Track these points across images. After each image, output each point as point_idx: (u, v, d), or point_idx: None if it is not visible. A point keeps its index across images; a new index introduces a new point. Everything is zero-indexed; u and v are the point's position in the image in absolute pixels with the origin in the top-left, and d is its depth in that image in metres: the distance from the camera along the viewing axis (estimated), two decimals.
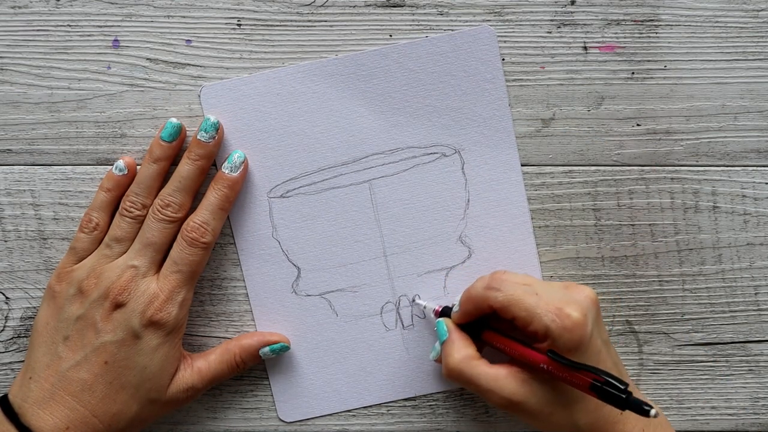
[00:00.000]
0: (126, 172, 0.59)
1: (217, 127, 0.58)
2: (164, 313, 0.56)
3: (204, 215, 0.58)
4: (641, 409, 0.48)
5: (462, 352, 0.55)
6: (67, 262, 0.59)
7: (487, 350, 0.57)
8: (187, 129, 0.60)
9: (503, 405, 0.54)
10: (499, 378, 0.54)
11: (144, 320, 0.56)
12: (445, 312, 0.59)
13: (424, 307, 0.60)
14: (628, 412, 0.54)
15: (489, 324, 0.57)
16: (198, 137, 0.58)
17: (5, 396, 0.57)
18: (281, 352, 0.61)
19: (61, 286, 0.58)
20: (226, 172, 0.58)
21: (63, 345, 0.57)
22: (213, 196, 0.58)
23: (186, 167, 0.58)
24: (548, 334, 0.52)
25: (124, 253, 0.58)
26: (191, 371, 0.59)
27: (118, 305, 0.56)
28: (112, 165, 0.59)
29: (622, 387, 0.49)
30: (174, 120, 0.58)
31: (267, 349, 0.60)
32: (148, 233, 0.57)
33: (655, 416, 0.48)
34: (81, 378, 0.56)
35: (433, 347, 0.59)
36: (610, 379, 0.50)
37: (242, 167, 0.59)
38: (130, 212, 0.58)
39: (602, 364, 0.54)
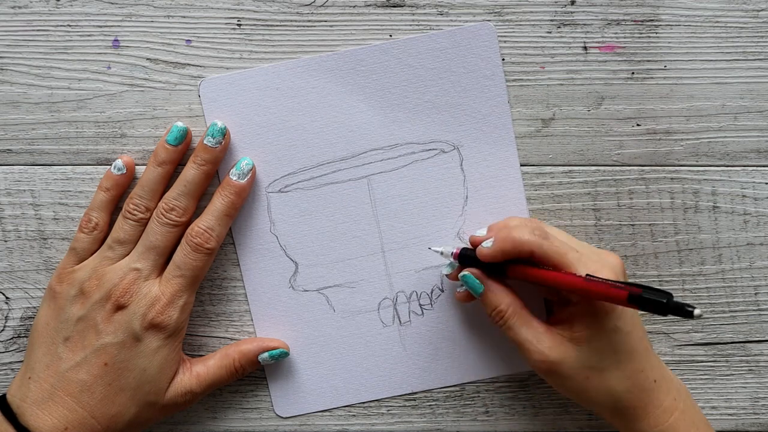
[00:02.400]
0: (125, 172, 0.59)
1: (224, 133, 0.58)
2: (165, 316, 0.56)
3: (209, 221, 0.58)
4: (684, 310, 0.48)
5: (507, 299, 0.55)
6: (67, 262, 0.59)
7: None
8: (192, 132, 0.60)
9: (540, 361, 0.54)
10: (540, 334, 0.54)
11: (145, 323, 0.56)
12: (464, 255, 0.57)
13: (441, 252, 0.58)
14: (661, 382, 0.54)
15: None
16: (205, 142, 0.58)
17: (3, 396, 0.57)
18: (280, 358, 0.61)
19: (62, 287, 0.58)
20: (234, 178, 0.58)
21: (63, 346, 0.57)
22: (219, 202, 0.58)
23: (191, 171, 0.58)
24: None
25: (127, 255, 0.58)
26: (190, 375, 0.59)
27: (119, 307, 0.56)
28: (111, 165, 0.59)
29: (664, 294, 0.49)
30: (180, 124, 0.58)
31: (266, 354, 0.60)
32: (152, 236, 0.57)
33: (699, 316, 0.47)
34: (80, 379, 0.56)
35: (448, 265, 0.58)
36: (650, 289, 0.50)
37: (250, 174, 0.59)
38: (134, 215, 0.58)
39: (636, 330, 0.54)
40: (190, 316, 0.59)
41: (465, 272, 0.56)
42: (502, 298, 0.55)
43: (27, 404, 0.56)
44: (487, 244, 0.55)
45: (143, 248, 0.57)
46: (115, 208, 0.60)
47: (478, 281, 0.56)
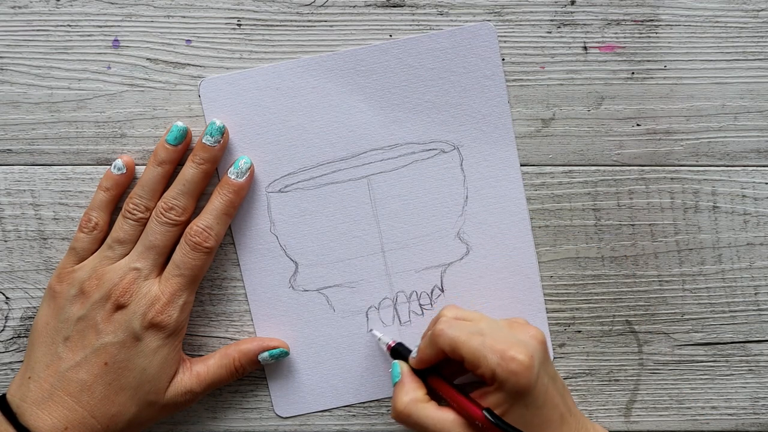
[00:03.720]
0: (125, 171, 0.59)
1: (223, 132, 0.58)
2: (165, 315, 0.56)
3: (208, 220, 0.58)
4: None
5: (410, 394, 0.55)
6: (67, 262, 0.59)
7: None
8: (192, 132, 0.60)
9: None
10: (446, 422, 0.54)
11: (145, 322, 0.56)
12: (396, 350, 0.59)
13: (379, 340, 0.61)
14: None
15: (438, 369, 0.57)
16: (203, 141, 0.58)
17: (3, 395, 0.57)
18: (280, 358, 0.61)
19: (62, 287, 0.58)
20: (232, 177, 0.58)
21: (63, 345, 0.57)
22: (218, 201, 0.58)
23: (190, 171, 0.58)
24: (495, 378, 0.52)
25: (126, 254, 0.58)
26: (190, 375, 0.59)
27: (119, 307, 0.56)
28: (111, 165, 0.59)
29: None
30: (180, 123, 0.58)
31: (266, 354, 0.60)
32: (151, 236, 0.57)
33: None
34: (80, 378, 0.56)
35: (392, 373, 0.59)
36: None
37: (248, 173, 0.59)
38: (133, 214, 0.58)
39: (550, 401, 0.53)
40: (190, 316, 0.59)
41: (395, 362, 0.58)
42: (405, 392, 0.56)
43: (27, 404, 0.56)
44: (413, 353, 0.58)
45: (143, 248, 0.57)
46: (115, 207, 0.60)
47: (398, 372, 0.57)
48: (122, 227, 0.58)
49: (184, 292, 0.57)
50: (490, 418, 0.52)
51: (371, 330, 0.61)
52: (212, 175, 0.59)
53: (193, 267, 0.57)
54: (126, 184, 0.59)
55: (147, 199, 0.58)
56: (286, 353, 0.61)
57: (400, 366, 0.58)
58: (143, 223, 0.58)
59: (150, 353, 0.57)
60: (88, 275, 0.57)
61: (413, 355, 0.57)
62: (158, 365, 0.57)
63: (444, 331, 0.54)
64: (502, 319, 0.57)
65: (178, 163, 0.59)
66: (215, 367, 0.59)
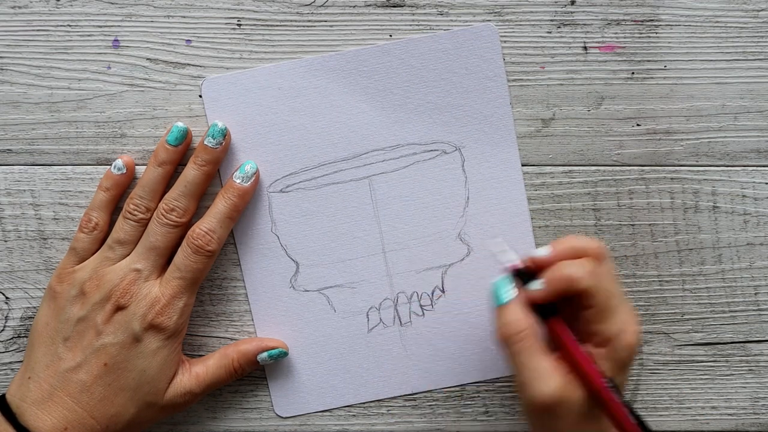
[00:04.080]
0: (125, 171, 0.59)
1: (225, 133, 0.58)
2: (165, 317, 0.56)
3: (211, 223, 0.58)
4: None
5: (527, 320, 0.52)
6: (67, 262, 0.59)
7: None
8: (193, 133, 0.60)
9: (543, 396, 0.50)
10: (546, 370, 0.51)
11: (145, 324, 0.56)
12: (521, 273, 0.53)
13: (498, 253, 0.54)
14: None
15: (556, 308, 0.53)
16: (205, 143, 0.58)
17: (3, 395, 0.57)
18: (279, 358, 0.61)
19: (62, 287, 0.58)
20: (238, 181, 0.58)
21: (63, 346, 0.57)
22: (222, 205, 0.58)
23: (192, 172, 0.58)
24: (611, 341, 0.51)
25: (127, 255, 0.58)
26: (189, 376, 0.59)
27: (119, 308, 0.56)
28: (111, 165, 0.59)
29: None
30: (180, 124, 0.58)
31: (265, 354, 0.60)
32: (152, 237, 0.57)
33: None
34: (80, 379, 0.56)
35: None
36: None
37: (254, 178, 0.59)
38: (134, 215, 0.58)
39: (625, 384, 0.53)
40: (190, 317, 0.59)
41: (502, 278, 0.54)
42: (526, 315, 0.52)
43: (26, 404, 0.56)
44: (537, 285, 0.52)
45: (143, 249, 0.57)
46: (115, 208, 0.60)
47: (510, 288, 0.53)
48: (123, 228, 0.58)
49: (185, 294, 0.57)
50: (612, 388, 0.50)
51: (496, 238, 0.58)
52: (214, 176, 0.59)
53: (195, 270, 0.57)
54: (126, 184, 0.59)
55: (147, 199, 0.58)
56: (285, 354, 0.61)
57: (511, 287, 0.53)
58: (144, 224, 0.58)
59: (149, 354, 0.57)
60: (88, 276, 0.57)
61: (537, 287, 0.52)
62: (158, 366, 0.57)
63: (598, 278, 0.51)
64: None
65: (179, 164, 0.59)
66: (214, 368, 0.59)
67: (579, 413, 0.51)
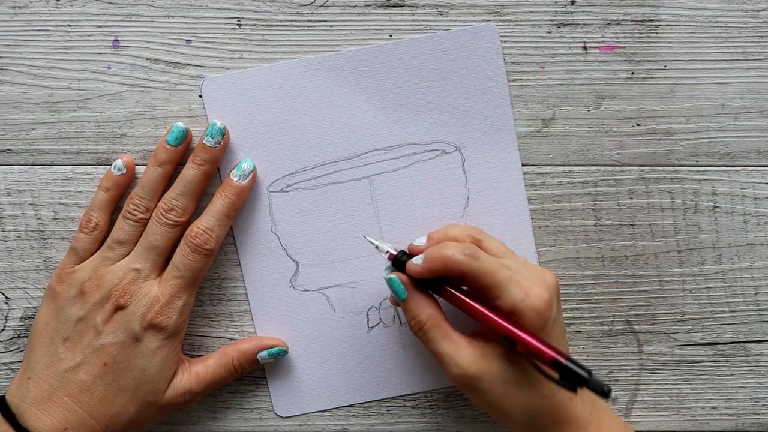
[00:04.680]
0: (125, 172, 0.59)
1: (223, 132, 0.58)
2: (165, 317, 0.56)
3: (209, 221, 0.58)
4: (602, 390, 0.48)
5: (428, 310, 0.54)
6: (67, 262, 0.59)
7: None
8: (192, 132, 0.60)
9: (459, 375, 0.53)
10: (460, 348, 0.53)
11: (144, 323, 0.56)
12: (398, 260, 0.55)
13: (377, 247, 0.56)
14: (578, 398, 0.54)
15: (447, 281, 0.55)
16: (204, 142, 0.58)
17: (3, 396, 0.57)
18: (279, 357, 0.61)
19: (62, 287, 0.58)
20: (235, 180, 0.59)
21: (63, 346, 0.56)
22: (219, 203, 0.58)
23: (191, 171, 0.58)
24: (514, 311, 0.52)
25: (126, 255, 0.58)
26: (189, 375, 0.59)
27: (119, 308, 0.56)
28: (111, 165, 0.59)
29: (585, 370, 0.50)
30: (180, 124, 0.58)
31: (265, 353, 0.60)
32: (151, 237, 0.57)
33: (615, 400, 0.48)
34: (80, 379, 0.56)
35: (386, 268, 0.56)
36: (574, 362, 0.50)
37: (251, 176, 0.59)
38: (134, 215, 0.58)
39: (556, 342, 0.53)
40: (190, 317, 0.59)
41: (392, 275, 0.55)
42: (423, 308, 0.54)
43: (26, 404, 0.56)
44: (417, 260, 0.54)
45: (143, 248, 0.57)
46: (115, 208, 0.60)
47: (402, 287, 0.55)
48: (122, 228, 0.58)
49: (184, 294, 0.57)
50: (566, 363, 0.50)
51: (364, 236, 0.60)
52: (213, 175, 0.59)
53: (193, 269, 0.57)
54: (126, 184, 0.59)
55: (147, 199, 0.58)
56: (285, 352, 0.61)
57: (399, 279, 0.55)
58: (143, 224, 0.58)
59: (149, 354, 0.57)
60: (88, 276, 0.57)
61: (417, 262, 0.54)
62: (157, 366, 0.57)
63: (478, 258, 0.53)
64: (520, 257, 0.56)
65: (179, 164, 0.59)
66: (214, 367, 0.59)
67: (505, 382, 0.53)
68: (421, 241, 0.56)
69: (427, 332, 0.54)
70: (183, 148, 0.59)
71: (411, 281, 0.55)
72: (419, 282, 0.55)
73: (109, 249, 0.58)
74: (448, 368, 0.53)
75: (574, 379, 0.50)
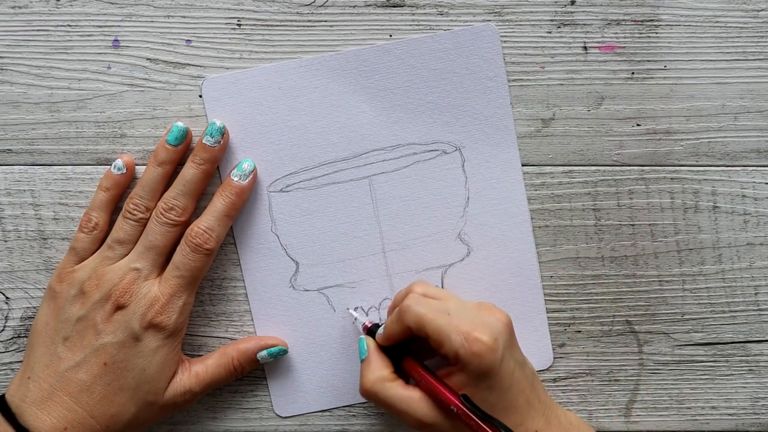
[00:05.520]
0: (125, 171, 0.59)
1: (223, 132, 0.58)
2: (164, 316, 0.56)
3: (209, 221, 0.58)
4: None
5: (377, 373, 0.56)
6: (67, 262, 0.59)
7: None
8: (193, 133, 0.60)
9: (416, 426, 0.54)
10: (412, 400, 0.54)
11: (144, 323, 0.56)
12: (372, 330, 0.59)
13: (355, 319, 0.60)
14: (541, 429, 0.55)
15: (411, 349, 0.57)
16: (203, 141, 0.58)
17: (3, 396, 0.57)
18: (279, 356, 0.61)
19: (62, 287, 0.58)
20: (235, 179, 0.58)
21: (63, 345, 0.56)
22: (219, 203, 0.58)
23: (190, 171, 0.58)
24: (458, 359, 0.53)
25: (126, 255, 0.58)
26: (189, 375, 0.59)
27: (119, 307, 0.56)
28: (111, 165, 0.59)
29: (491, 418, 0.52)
30: (180, 124, 0.58)
31: (265, 352, 0.60)
32: (151, 236, 0.57)
33: None
34: (80, 379, 0.56)
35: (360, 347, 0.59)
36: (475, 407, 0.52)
37: (251, 176, 0.59)
38: (134, 215, 0.58)
39: (516, 386, 0.54)
40: (189, 317, 0.59)
41: (362, 337, 0.58)
42: (382, 366, 0.56)
43: (26, 404, 0.56)
44: (380, 330, 0.57)
45: (143, 248, 0.57)
46: (115, 208, 0.60)
47: (365, 348, 0.57)
48: (122, 227, 0.58)
49: (184, 293, 0.57)
50: (466, 404, 0.52)
51: (348, 309, 0.61)
52: (212, 175, 0.59)
53: (193, 268, 0.57)
54: (126, 184, 0.59)
55: (147, 199, 0.58)
56: (285, 351, 0.61)
57: (366, 342, 0.58)
58: (143, 224, 0.58)
59: (149, 354, 0.56)
60: (88, 275, 0.57)
61: (380, 331, 0.57)
62: (157, 366, 0.57)
63: (411, 307, 0.54)
64: (471, 302, 0.57)
65: (179, 164, 0.59)
66: (214, 367, 0.59)
67: (457, 426, 0.54)
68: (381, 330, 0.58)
69: (376, 393, 0.55)
70: (183, 147, 0.59)
71: (377, 346, 0.57)
72: (394, 353, 0.57)
73: (109, 249, 0.58)
74: (406, 422, 0.55)
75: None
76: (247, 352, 0.60)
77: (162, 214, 0.57)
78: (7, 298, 0.61)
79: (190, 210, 0.58)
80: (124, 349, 0.56)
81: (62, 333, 0.57)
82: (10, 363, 0.62)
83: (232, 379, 0.61)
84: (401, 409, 0.54)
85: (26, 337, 0.62)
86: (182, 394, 0.58)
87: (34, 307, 0.61)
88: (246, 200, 0.60)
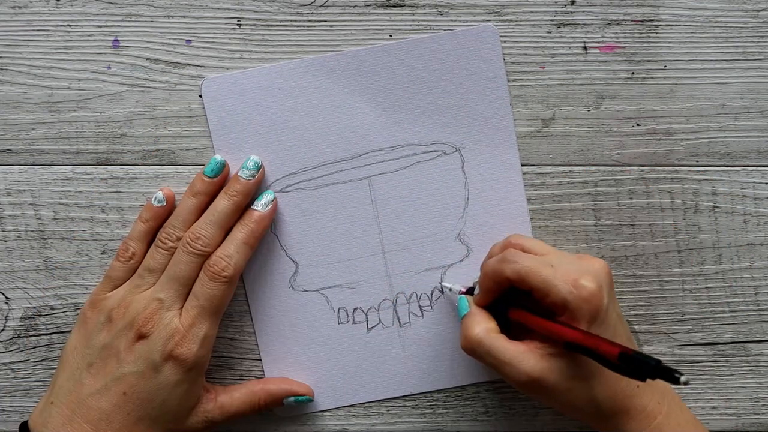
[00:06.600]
0: (165, 204, 0.59)
1: (259, 167, 0.59)
2: (184, 348, 0.56)
3: (228, 249, 0.57)
4: (672, 375, 0.47)
5: (483, 324, 0.55)
6: (101, 289, 0.59)
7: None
8: (187, 129, 0.60)
9: (522, 380, 0.53)
10: (519, 352, 0.53)
11: (164, 354, 0.56)
12: (469, 293, 0.58)
13: (450, 289, 0.60)
14: (645, 386, 0.54)
15: (513, 303, 0.56)
16: (239, 174, 0.58)
17: (25, 422, 0.57)
18: (305, 403, 0.61)
19: (92, 313, 0.58)
20: (257, 209, 0.58)
21: (86, 372, 0.56)
22: (239, 232, 0.58)
23: (222, 202, 0.58)
24: (566, 306, 0.52)
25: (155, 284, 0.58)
26: (213, 405, 0.58)
27: (141, 336, 0.56)
28: (152, 197, 0.59)
29: (652, 359, 0.48)
30: (218, 157, 0.59)
31: (292, 399, 0.60)
32: (175, 266, 0.57)
33: (686, 383, 0.46)
34: (100, 407, 0.55)
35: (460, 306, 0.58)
36: (640, 353, 0.49)
37: (272, 205, 0.59)
38: (165, 243, 0.58)
39: (618, 337, 0.54)
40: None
41: (462, 295, 0.58)
42: (483, 322, 0.55)
43: (48, 430, 0.55)
44: (476, 291, 0.57)
45: (167, 278, 0.57)
46: (152, 238, 0.59)
47: (466, 304, 0.57)
48: (153, 256, 0.58)
49: (204, 324, 0.56)
50: (586, 333, 0.51)
51: (440, 283, 0.61)
52: (243, 208, 0.59)
53: (212, 297, 0.56)
54: (165, 216, 0.59)
55: (179, 229, 0.58)
56: (311, 401, 0.61)
57: (467, 300, 0.57)
58: (173, 253, 0.58)
59: (170, 386, 0.56)
60: (117, 303, 0.57)
61: (476, 291, 0.57)
62: (178, 398, 0.56)
63: (512, 261, 0.54)
64: (568, 253, 0.57)
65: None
66: (240, 402, 0.59)
67: (568, 378, 0.53)
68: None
69: (481, 343, 0.54)
70: (219, 180, 0.59)
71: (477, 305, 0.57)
72: (493, 311, 0.56)
73: (140, 277, 0.58)
74: (511, 376, 0.53)
75: (641, 368, 0.49)
76: (276, 396, 0.60)
77: (189, 243, 0.57)
78: (7, 298, 0.61)
79: (217, 240, 0.58)
80: (143, 380, 0.56)
81: (87, 359, 0.56)
82: (10, 363, 0.62)
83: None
84: (506, 360, 0.53)
85: (26, 337, 0.62)
86: (204, 422, 0.58)
87: (34, 308, 0.61)
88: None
